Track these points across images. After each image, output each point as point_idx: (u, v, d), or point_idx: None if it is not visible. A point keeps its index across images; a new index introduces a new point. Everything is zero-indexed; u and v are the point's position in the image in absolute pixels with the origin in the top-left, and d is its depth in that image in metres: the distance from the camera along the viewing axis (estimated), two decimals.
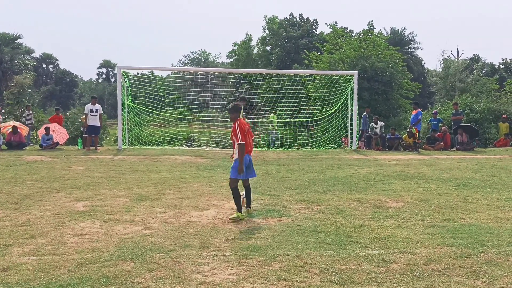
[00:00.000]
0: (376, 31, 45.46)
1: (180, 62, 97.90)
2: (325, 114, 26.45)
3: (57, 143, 22.03)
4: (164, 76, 54.55)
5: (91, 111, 21.28)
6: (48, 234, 7.38)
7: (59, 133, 23.18)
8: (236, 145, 8.48)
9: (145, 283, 5.40)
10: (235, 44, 66.15)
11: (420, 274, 5.70)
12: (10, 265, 5.96)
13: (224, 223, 8.18)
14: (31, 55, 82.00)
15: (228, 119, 22.25)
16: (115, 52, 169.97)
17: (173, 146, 24.06)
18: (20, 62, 69.60)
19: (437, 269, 5.87)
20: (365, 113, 24.64)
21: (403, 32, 63.98)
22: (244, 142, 8.36)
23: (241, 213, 8.48)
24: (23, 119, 26.69)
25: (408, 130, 22.17)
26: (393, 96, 35.61)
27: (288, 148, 24.52)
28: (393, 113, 35.23)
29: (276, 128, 26.73)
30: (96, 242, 6.98)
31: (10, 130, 22.00)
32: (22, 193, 10.58)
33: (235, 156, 8.53)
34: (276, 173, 13.96)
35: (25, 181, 12.29)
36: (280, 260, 6.16)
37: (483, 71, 52.66)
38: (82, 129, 24.16)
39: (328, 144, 24.99)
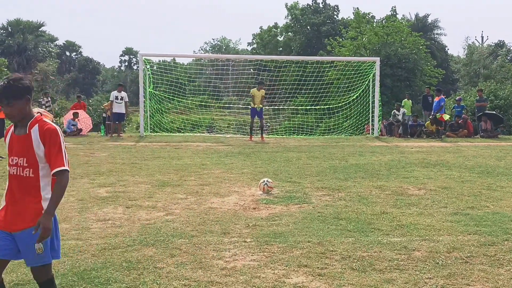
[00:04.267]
0: (399, 17, 44.88)
1: (201, 49, 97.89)
2: (346, 100, 26.28)
3: (80, 130, 22.29)
4: (186, 63, 54.69)
5: (116, 98, 21.52)
6: (72, 219, 7.49)
7: (84, 122, 23.45)
8: (47, 179, 3.92)
9: (167, 268, 5.46)
10: (260, 29, 65.68)
11: (442, 261, 5.65)
12: None
13: (245, 209, 8.20)
14: (55, 43, 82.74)
15: (249, 105, 22.24)
16: (137, 39, 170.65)
17: (194, 133, 24.17)
18: (44, 49, 70.33)
19: (460, 257, 5.82)
20: (442, 96, 22.40)
21: (426, 19, 62.99)
22: (68, 169, 3.86)
23: None
24: (43, 106, 27.02)
25: (431, 117, 21.93)
26: (415, 83, 35.23)
27: (310, 135, 24.45)
28: (416, 100, 34.85)
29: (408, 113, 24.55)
30: (119, 228, 7.06)
31: None
32: None
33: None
34: (297, 160, 13.93)
35: None
36: (301, 247, 6.16)
37: (508, 57, 51.64)
38: (104, 115, 24.39)
39: (349, 130, 24.84)
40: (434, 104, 21.99)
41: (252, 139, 20.13)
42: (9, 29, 69.23)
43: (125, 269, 5.42)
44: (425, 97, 24.03)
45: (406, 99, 24.96)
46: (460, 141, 19.95)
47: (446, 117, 21.83)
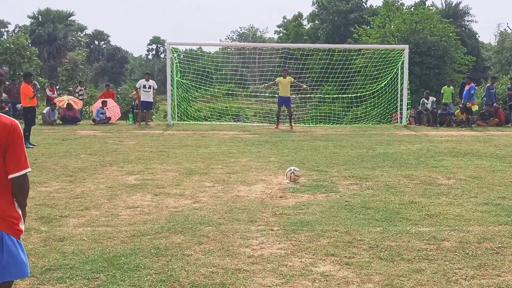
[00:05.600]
0: (428, 3, 44.10)
1: (228, 38, 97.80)
2: (374, 89, 26.00)
3: (109, 119, 22.58)
4: (212, 52, 54.69)
5: (144, 86, 21.72)
6: (101, 206, 7.60)
7: (112, 110, 23.74)
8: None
9: (195, 255, 5.50)
10: (284, 19, 65.48)
11: (472, 252, 5.57)
12: (66, 235, 6.18)
13: (272, 198, 8.20)
14: (84, 32, 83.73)
15: (276, 94, 22.13)
16: (165, 28, 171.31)
17: (221, 121, 24.22)
18: (73, 39, 71.28)
19: (490, 247, 5.73)
20: (473, 84, 21.73)
21: (458, 5, 61.78)
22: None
23: None
24: (76, 94, 27.46)
25: (461, 105, 21.55)
26: (445, 71, 34.63)
27: (337, 124, 24.31)
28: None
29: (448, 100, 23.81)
30: (148, 215, 7.14)
31: (65, 105, 22.67)
32: (77, 166, 10.91)
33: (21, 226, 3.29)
34: (324, 149, 13.87)
35: (79, 154, 12.66)
36: (328, 236, 6.14)
37: None
38: (133, 103, 24.65)
39: (377, 119, 24.59)
40: (464, 93, 21.57)
41: (278, 127, 20.09)
42: (40, 19, 70.32)
43: (154, 255, 5.48)
44: (463, 85, 23.44)
45: (446, 86, 24.27)
46: (491, 130, 19.59)
47: (475, 108, 21.39)
